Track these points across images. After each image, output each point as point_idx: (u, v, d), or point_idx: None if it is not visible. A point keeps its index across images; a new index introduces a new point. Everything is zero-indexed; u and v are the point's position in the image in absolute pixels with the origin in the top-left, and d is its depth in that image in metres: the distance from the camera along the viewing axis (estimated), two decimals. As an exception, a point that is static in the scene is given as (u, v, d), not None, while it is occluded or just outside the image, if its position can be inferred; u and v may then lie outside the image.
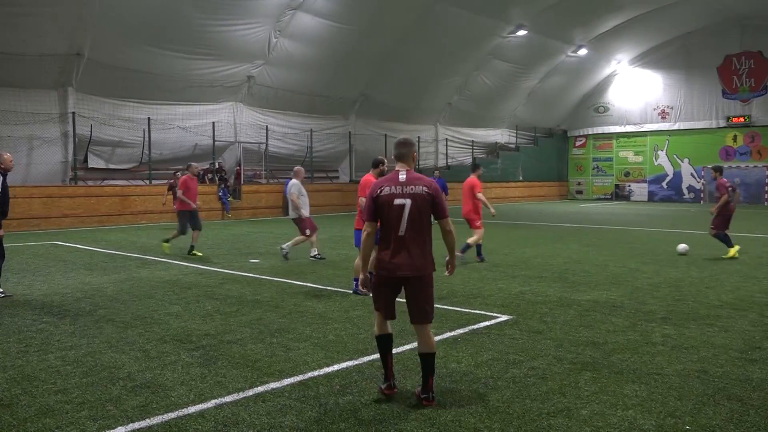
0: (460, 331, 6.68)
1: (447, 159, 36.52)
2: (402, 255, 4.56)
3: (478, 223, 11.84)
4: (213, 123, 25.39)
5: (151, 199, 22.62)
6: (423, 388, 4.59)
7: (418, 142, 33.76)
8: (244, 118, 27.06)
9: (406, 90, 31.24)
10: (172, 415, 4.36)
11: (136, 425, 4.18)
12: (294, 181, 12.10)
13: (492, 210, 12.25)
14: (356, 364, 5.49)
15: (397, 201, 4.56)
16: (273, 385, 4.97)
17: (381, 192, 4.62)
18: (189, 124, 24.99)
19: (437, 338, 6.13)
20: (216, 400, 4.63)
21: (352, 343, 6.17)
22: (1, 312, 7.65)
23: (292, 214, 12.11)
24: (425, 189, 4.58)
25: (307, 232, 12.02)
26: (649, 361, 5.57)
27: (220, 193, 24.72)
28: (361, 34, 26.27)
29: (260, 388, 4.89)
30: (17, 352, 5.89)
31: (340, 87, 28.95)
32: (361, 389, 4.85)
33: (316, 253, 12.31)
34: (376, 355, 5.71)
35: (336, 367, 5.44)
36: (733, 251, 12.27)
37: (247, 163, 27.46)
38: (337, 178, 31.80)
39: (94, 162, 23.07)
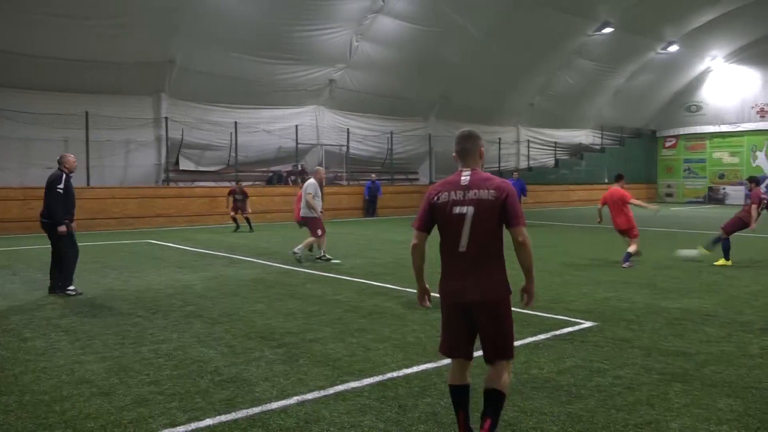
0: (542, 336, 6.54)
1: (529, 161, 35.84)
2: (465, 276, 3.73)
3: (635, 232, 11.82)
4: (296, 126, 25.99)
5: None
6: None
7: (499, 143, 33.32)
8: (326, 120, 27.57)
9: (486, 91, 30.90)
10: (256, 409, 4.49)
11: (223, 418, 4.34)
12: (312, 181, 12.30)
13: (653, 207, 12.83)
14: (435, 367, 5.47)
15: (457, 209, 3.74)
16: (353, 384, 5.03)
17: (438, 198, 3.81)
18: (273, 127, 25.71)
19: (518, 343, 6.03)
20: (298, 397, 4.73)
21: (431, 346, 6.15)
22: (100, 306, 8.13)
23: (306, 213, 12.20)
24: (492, 192, 3.71)
25: (318, 232, 12.10)
26: (746, 375, 5.26)
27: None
28: (441, 36, 26.21)
29: (340, 387, 4.96)
30: (114, 344, 6.24)
31: (420, 89, 28.99)
32: (441, 392, 4.83)
33: (323, 254, 12.38)
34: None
35: (415, 368, 5.44)
36: (722, 261, 11.77)
37: (329, 165, 27.96)
38: (417, 180, 31.86)
39: (184, 164, 24.14)
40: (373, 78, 27.12)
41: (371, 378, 5.17)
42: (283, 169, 26.81)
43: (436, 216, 3.81)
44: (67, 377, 5.19)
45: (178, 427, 4.18)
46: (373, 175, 27.86)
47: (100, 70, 20.67)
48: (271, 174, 26.58)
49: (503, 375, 3.81)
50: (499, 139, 33.50)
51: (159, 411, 4.46)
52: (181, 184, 23.73)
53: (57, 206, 8.83)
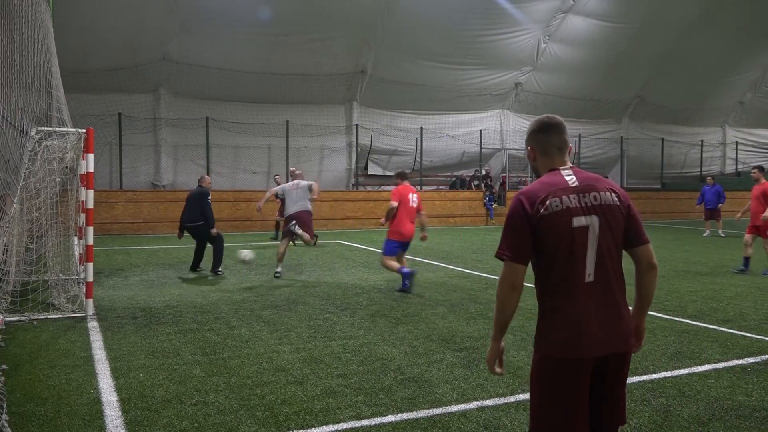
0: (750, 360, 5.87)
1: (736, 165, 32.40)
2: (597, 317, 2.61)
3: None
4: (480, 131, 26.00)
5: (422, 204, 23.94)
6: None
7: (701, 145, 30.57)
8: (511, 125, 27.25)
9: (687, 89, 28.50)
10: (436, 411, 4.56)
11: (405, 416, 4.46)
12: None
13: None
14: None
15: (578, 221, 2.63)
16: (535, 394, 4.90)
17: (548, 207, 2.62)
18: (457, 132, 25.97)
19: (721, 365, 5.49)
20: (478, 402, 4.72)
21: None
22: (295, 301, 8.77)
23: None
24: (615, 196, 2.71)
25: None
26: None
27: (486, 200, 25.18)
28: (637, 33, 24.69)
29: (522, 396, 4.86)
30: (308, 337, 6.69)
31: (613, 89, 27.53)
32: (629, 411, 4.53)
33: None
34: (648, 376, 5.32)
35: (602, 384, 5.16)
36: None
37: (513, 170, 27.57)
38: (607, 185, 30.22)
39: (372, 169, 25.25)
40: (562, 80, 26.29)
41: (554, 390, 4.99)
42: (466, 174, 26.94)
43: (543, 234, 2.62)
44: (267, 364, 5.67)
45: (363, 421, 4.37)
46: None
47: (300, 82, 22.42)
48: (454, 179, 26.85)
49: None
50: (701, 141, 30.70)
51: (346, 403, 4.70)
52: (368, 188, 24.85)
53: (211, 213, 11.20)
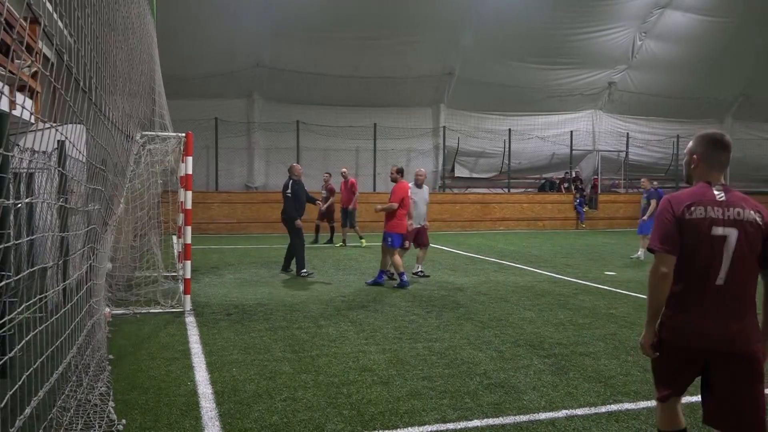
0: None
1: None
2: (716, 316, 3.00)
3: None
4: (571, 132, 25.31)
5: (510, 207, 23.61)
6: None
7: (816, 146, 28.42)
8: (603, 125, 26.38)
9: (802, 85, 26.59)
10: (523, 417, 4.48)
11: (491, 421, 4.41)
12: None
13: None
14: None
15: (717, 230, 3.00)
16: (627, 405, 4.73)
17: (692, 212, 3.04)
18: (547, 133, 25.39)
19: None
20: (567, 411, 4.61)
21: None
22: (382, 302, 8.85)
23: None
24: (757, 216, 3.02)
25: (406, 244, 10.78)
26: None
27: (576, 203, 24.50)
28: (740, 26, 23.31)
29: (613, 407, 4.70)
30: (393, 338, 6.74)
31: (715, 87, 26.08)
32: (732, 427, 4.29)
33: (420, 269, 11.34)
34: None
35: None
36: None
37: (605, 172, 26.66)
38: (708, 188, 28.67)
39: (459, 171, 25.09)
40: (659, 78, 25.19)
41: (649, 402, 4.80)
42: (556, 176, 26.29)
43: (685, 235, 3.04)
44: (353, 364, 5.75)
45: (448, 424, 4.36)
46: (655, 183, 25.76)
47: (387, 85, 22.61)
48: (543, 181, 26.26)
49: None
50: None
51: (431, 406, 4.70)
52: (455, 191, 24.71)
53: (290, 206, 11.25)
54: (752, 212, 3.01)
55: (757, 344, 2.99)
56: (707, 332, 2.99)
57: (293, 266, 11.64)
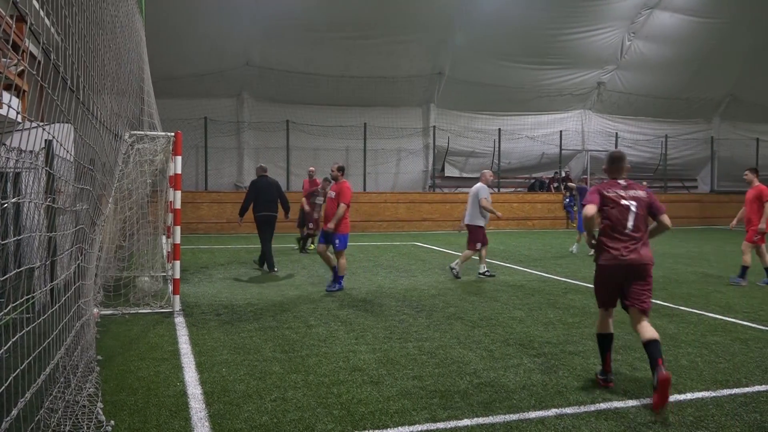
0: None
1: None
2: (627, 247, 5.06)
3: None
4: (560, 132, 25.42)
5: (499, 207, 23.53)
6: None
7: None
8: (592, 125, 26.53)
9: (788, 86, 26.84)
10: (513, 416, 4.49)
11: (480, 420, 4.42)
12: (482, 185, 11.06)
13: None
14: (713, 396, 4.91)
15: (623, 202, 5.11)
16: (617, 404, 4.75)
17: (608, 191, 5.12)
18: (537, 133, 25.50)
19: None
20: (556, 410, 4.62)
21: (708, 372, 5.54)
22: (372, 302, 8.85)
23: (471, 221, 11.02)
24: (644, 194, 5.18)
25: (478, 245, 10.97)
26: None
27: (565, 202, 24.60)
28: (729, 27, 23.52)
29: (603, 405, 4.72)
30: (383, 338, 6.74)
31: (703, 87, 26.30)
32: (720, 425, 4.32)
33: (485, 269, 11.25)
34: (740, 390, 5.06)
35: (689, 395, 4.95)
36: None
37: (595, 172, 26.81)
38: (695, 188, 28.88)
39: (449, 171, 25.14)
40: (647, 78, 25.36)
41: (637, 400, 4.83)
42: (545, 176, 26.39)
43: (606, 203, 5.14)
44: (344, 364, 5.75)
45: (438, 423, 4.36)
46: (644, 183, 25.96)
47: (377, 84, 22.61)
48: (533, 181, 26.36)
49: None
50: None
51: (421, 405, 4.70)
52: (445, 190, 24.75)
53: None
54: (642, 192, 5.15)
55: (650, 260, 5.05)
56: (624, 256, 5.02)
57: (277, 265, 11.87)
